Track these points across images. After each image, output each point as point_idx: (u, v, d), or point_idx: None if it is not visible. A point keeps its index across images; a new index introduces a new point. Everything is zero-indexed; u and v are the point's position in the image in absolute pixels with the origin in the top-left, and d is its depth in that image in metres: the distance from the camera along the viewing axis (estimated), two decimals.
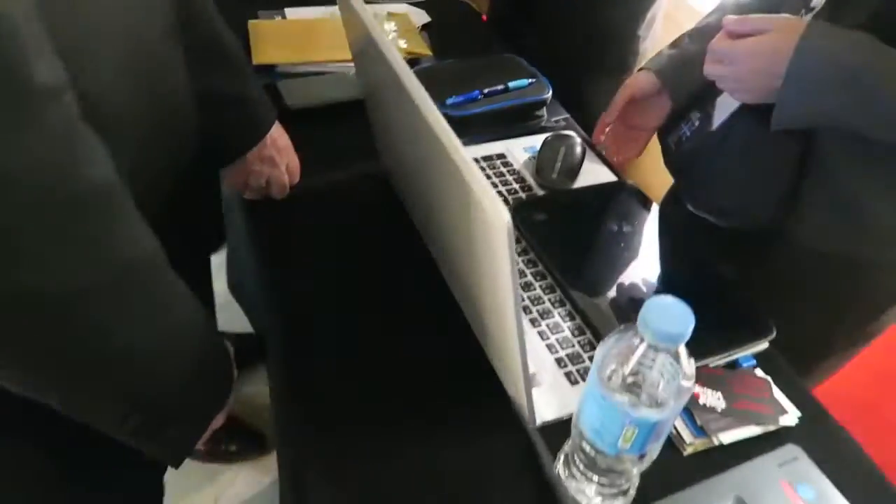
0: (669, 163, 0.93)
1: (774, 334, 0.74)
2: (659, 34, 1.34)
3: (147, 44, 0.57)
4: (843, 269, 0.83)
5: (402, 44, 1.17)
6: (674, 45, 0.98)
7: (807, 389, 0.73)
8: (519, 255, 0.82)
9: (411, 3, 1.32)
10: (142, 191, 0.50)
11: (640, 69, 0.98)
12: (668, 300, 0.48)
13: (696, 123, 0.87)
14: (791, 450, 0.65)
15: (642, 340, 0.48)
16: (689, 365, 0.50)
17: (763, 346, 0.74)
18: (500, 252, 0.46)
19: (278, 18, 1.21)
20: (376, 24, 0.68)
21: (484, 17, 1.43)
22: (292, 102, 0.99)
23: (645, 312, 0.47)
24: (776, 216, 0.82)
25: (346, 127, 0.95)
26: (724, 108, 0.83)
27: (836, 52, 0.68)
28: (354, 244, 0.83)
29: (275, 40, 1.13)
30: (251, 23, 1.17)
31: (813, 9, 0.77)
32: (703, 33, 0.95)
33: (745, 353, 0.73)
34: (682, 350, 0.50)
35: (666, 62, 0.96)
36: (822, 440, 0.68)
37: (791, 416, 0.68)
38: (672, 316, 0.47)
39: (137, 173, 0.51)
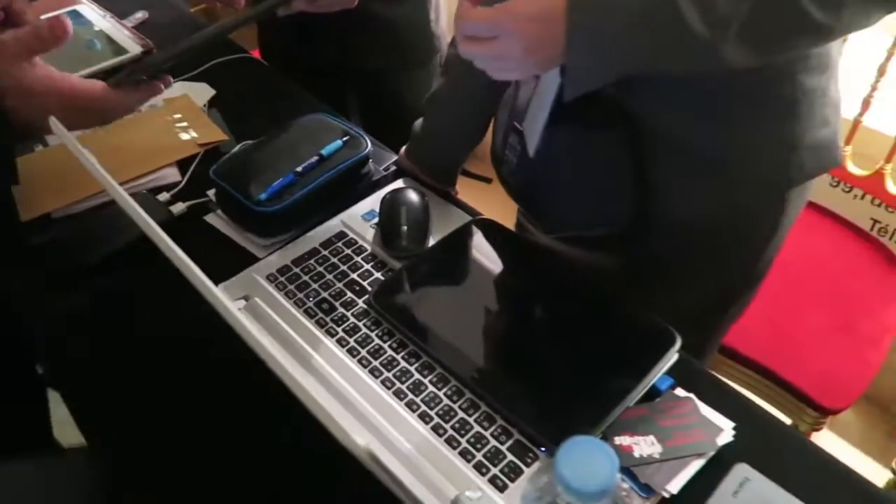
0: (513, 197, 0.87)
1: (680, 341, 0.70)
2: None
3: None
4: (713, 226, 0.80)
5: (193, 134, 1.02)
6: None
7: (731, 390, 0.70)
8: (397, 349, 0.72)
9: (186, 79, 1.17)
10: None
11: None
12: (581, 451, 0.41)
13: (519, 148, 0.81)
14: (739, 471, 0.61)
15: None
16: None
17: (673, 357, 0.70)
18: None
19: (39, 148, 1.03)
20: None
21: (256, 52, 1.30)
22: (87, 260, 0.83)
23: (562, 473, 0.40)
24: (637, 209, 0.77)
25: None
26: (532, 131, 0.76)
27: None
28: None
29: (39, 181, 0.95)
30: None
31: None
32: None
33: (660, 374, 0.69)
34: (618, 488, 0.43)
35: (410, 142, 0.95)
36: (762, 442, 0.65)
37: (726, 432, 0.64)
38: (593, 469, 0.40)
39: None
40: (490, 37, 0.61)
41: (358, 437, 0.36)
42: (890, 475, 1.05)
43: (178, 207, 0.91)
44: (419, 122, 0.96)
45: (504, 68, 0.65)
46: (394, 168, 0.98)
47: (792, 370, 1.08)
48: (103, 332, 0.79)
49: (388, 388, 0.69)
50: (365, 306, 0.77)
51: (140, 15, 1.36)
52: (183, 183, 0.96)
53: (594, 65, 0.62)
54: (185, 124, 1.05)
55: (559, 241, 0.88)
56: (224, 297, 0.45)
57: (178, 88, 1.14)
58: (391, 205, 0.84)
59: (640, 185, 0.76)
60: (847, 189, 1.61)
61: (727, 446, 0.63)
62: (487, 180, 2.01)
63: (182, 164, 0.99)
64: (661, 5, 0.58)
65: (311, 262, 0.82)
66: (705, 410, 0.66)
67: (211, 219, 0.91)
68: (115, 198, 0.59)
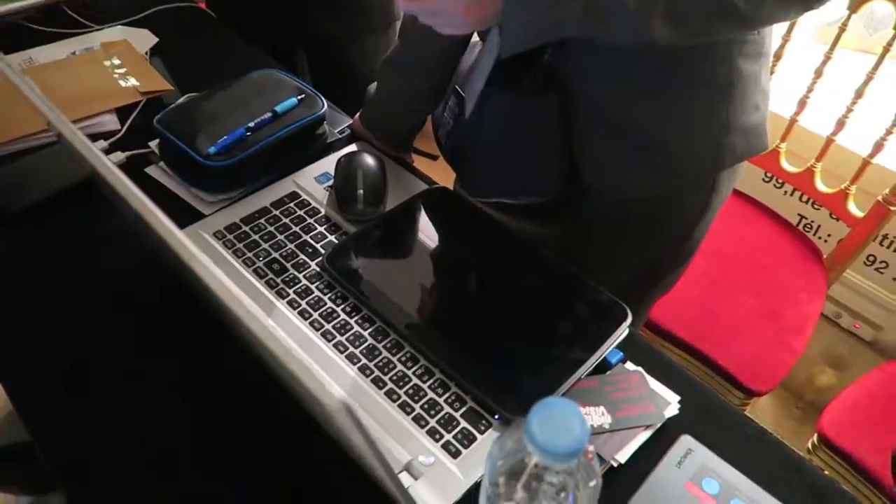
0: (443, 156, 0.86)
1: (631, 317, 0.72)
2: None
3: None
4: (645, 202, 0.82)
5: (134, 82, 0.96)
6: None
7: (676, 366, 0.72)
8: (350, 313, 0.71)
9: (126, 24, 1.10)
10: None
11: None
12: (553, 409, 0.41)
13: (456, 110, 0.80)
14: (684, 442, 0.63)
15: (534, 459, 0.41)
16: (594, 467, 0.44)
17: (624, 333, 0.71)
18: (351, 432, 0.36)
19: None
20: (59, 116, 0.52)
21: (202, 5, 1.24)
22: (13, 204, 0.77)
23: (532, 432, 0.39)
24: (563, 180, 0.78)
25: (91, 210, 0.78)
26: (471, 92, 0.76)
27: None
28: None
29: None
30: None
31: None
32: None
33: (611, 348, 0.70)
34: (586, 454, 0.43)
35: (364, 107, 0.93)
36: (704, 416, 0.67)
37: (672, 405, 0.66)
38: (565, 430, 0.40)
39: None
40: None
41: (333, 389, 0.35)
42: (804, 456, 1.11)
43: (117, 157, 0.86)
44: (373, 86, 0.94)
45: (445, 24, 0.65)
46: (348, 132, 0.95)
47: (722, 353, 1.13)
48: (37, 279, 0.74)
49: (341, 353, 0.67)
50: (317, 269, 0.75)
51: None
52: (122, 132, 0.91)
53: (528, 23, 0.62)
54: (124, 70, 0.99)
55: (493, 207, 0.88)
56: (188, 241, 0.43)
57: (116, 33, 1.08)
58: (347, 167, 0.82)
59: (567, 154, 0.77)
60: (779, 184, 1.69)
61: (673, 419, 0.65)
62: (433, 157, 2.00)
63: (121, 113, 0.93)
64: None
65: (262, 221, 0.79)
66: (653, 384, 0.68)
67: (153, 171, 0.86)
68: (65, 135, 0.55)
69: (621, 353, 0.70)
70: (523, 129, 0.74)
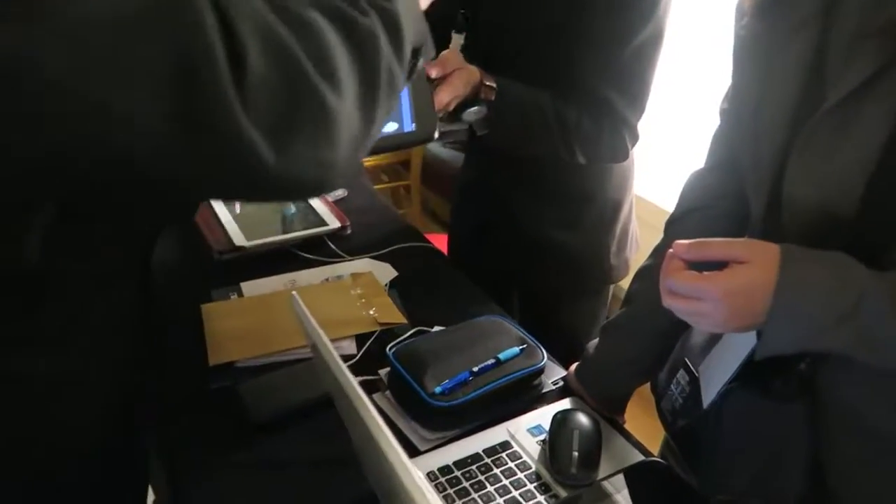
0: (670, 435, 0.82)
1: None
2: (637, 237, 1.31)
3: None
4: None
5: (373, 312, 1.08)
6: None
7: None
8: None
9: (372, 257, 1.26)
10: None
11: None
12: None
13: (687, 389, 0.78)
14: None
15: None
16: None
17: None
18: None
19: (234, 297, 1.12)
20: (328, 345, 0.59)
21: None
22: (262, 412, 0.86)
23: None
24: (806, 487, 0.70)
25: (323, 432, 0.84)
26: (710, 379, 0.73)
27: (826, 285, 0.58)
28: None
29: (230, 329, 1.02)
30: (204, 308, 1.08)
31: None
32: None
33: None
34: None
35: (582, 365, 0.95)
36: None
37: None
38: None
39: None
40: (693, 297, 0.63)
41: None
42: None
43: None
44: (593, 344, 0.96)
45: (704, 323, 0.66)
46: (561, 384, 0.97)
47: None
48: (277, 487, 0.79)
49: None
50: None
51: (340, 192, 1.51)
52: (358, 357, 1.00)
53: (794, 340, 0.61)
54: (365, 300, 1.11)
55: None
56: (418, 476, 0.44)
57: (364, 264, 1.23)
58: (563, 426, 0.82)
59: (813, 459, 0.70)
60: None
61: None
62: None
63: (358, 338, 1.03)
64: (870, 306, 0.57)
65: (473, 468, 0.80)
66: None
67: (378, 398, 0.92)
68: (325, 357, 0.62)
69: None
70: (767, 431, 0.70)
